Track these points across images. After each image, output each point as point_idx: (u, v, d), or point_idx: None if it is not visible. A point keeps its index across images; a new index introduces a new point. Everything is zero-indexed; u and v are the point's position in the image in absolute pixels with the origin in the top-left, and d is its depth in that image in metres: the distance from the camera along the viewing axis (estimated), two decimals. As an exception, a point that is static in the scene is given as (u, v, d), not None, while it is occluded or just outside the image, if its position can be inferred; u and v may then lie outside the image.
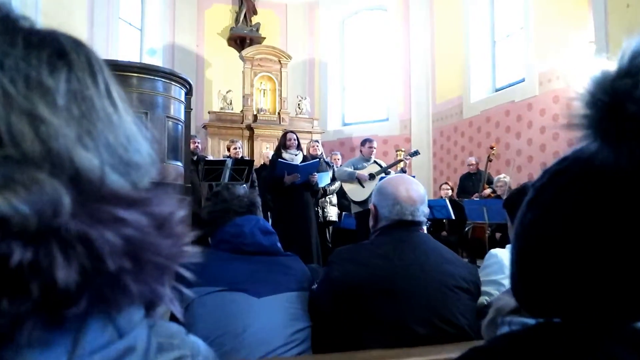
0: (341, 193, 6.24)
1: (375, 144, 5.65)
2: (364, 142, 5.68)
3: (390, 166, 5.64)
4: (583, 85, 0.49)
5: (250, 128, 10.51)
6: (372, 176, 5.41)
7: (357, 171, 5.48)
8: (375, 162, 5.69)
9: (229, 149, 6.35)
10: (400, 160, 5.78)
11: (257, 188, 6.01)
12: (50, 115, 0.37)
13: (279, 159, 4.78)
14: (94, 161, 0.38)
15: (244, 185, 5.11)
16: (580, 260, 0.48)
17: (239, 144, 6.41)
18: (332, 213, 5.95)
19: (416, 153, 5.82)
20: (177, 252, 0.41)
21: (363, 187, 5.40)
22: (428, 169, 10.31)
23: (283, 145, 5.02)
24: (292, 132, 5.15)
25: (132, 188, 0.41)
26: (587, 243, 0.47)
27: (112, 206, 0.37)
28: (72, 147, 0.37)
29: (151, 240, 0.38)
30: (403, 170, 5.52)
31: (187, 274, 0.43)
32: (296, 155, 4.98)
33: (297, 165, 4.78)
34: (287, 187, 4.74)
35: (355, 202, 5.47)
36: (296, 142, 5.03)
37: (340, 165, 5.89)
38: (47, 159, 0.36)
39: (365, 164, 5.60)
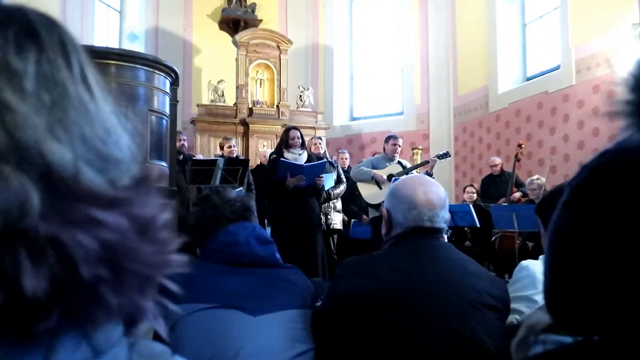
0: (350, 198, 6.25)
1: (400, 142, 5.71)
2: (388, 138, 5.74)
3: (415, 168, 5.67)
4: (627, 70, 0.48)
5: (244, 123, 10.54)
6: (390, 177, 5.42)
7: (375, 171, 5.53)
8: (399, 162, 5.72)
9: (222, 147, 6.37)
10: (427, 162, 5.80)
11: (254, 192, 6.05)
12: (17, 102, 0.37)
13: (281, 159, 4.79)
14: (67, 155, 0.38)
15: (240, 188, 5.12)
16: (624, 269, 0.48)
17: (233, 142, 6.43)
18: (337, 220, 5.97)
19: (446, 155, 5.86)
20: (162, 261, 0.41)
21: (380, 189, 5.44)
22: (449, 170, 10.30)
23: (285, 143, 5.04)
24: (295, 128, 5.17)
25: (110, 186, 0.41)
26: (631, 250, 0.47)
27: (88, 206, 0.37)
28: (42, 138, 0.37)
29: (132, 245, 0.38)
30: (429, 175, 5.55)
31: (174, 287, 0.43)
32: (300, 155, 5.00)
33: (302, 165, 4.79)
34: (289, 190, 4.75)
35: (371, 206, 5.49)
36: (300, 140, 5.05)
37: (358, 164, 5.94)
38: (13, 152, 0.36)
39: (387, 164, 5.65)
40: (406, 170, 5.48)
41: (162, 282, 0.42)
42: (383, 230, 1.63)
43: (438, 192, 1.57)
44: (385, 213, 1.61)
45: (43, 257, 0.34)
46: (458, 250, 1.59)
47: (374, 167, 5.62)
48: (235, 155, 6.30)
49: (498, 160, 7.49)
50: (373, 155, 7.13)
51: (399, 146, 5.68)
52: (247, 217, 1.59)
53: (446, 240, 1.70)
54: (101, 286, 0.37)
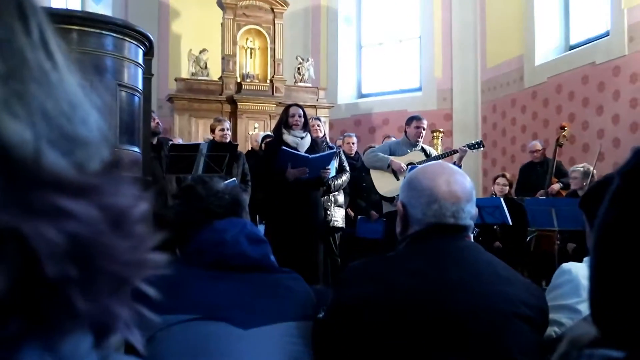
0: (357, 191, 6.24)
1: (425, 124, 5.74)
2: (411, 120, 5.76)
3: (440, 157, 5.66)
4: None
5: (232, 101, 10.57)
6: (411, 167, 5.43)
7: (393, 158, 5.55)
8: (423, 149, 5.72)
9: (213, 130, 6.37)
10: (455, 152, 5.81)
11: (250, 184, 6.06)
12: None
13: (283, 147, 4.80)
14: (26, 133, 0.39)
15: (233, 179, 5.15)
16: None
17: (227, 124, 6.43)
18: (338, 217, 6.00)
19: (479, 145, 5.85)
20: (139, 260, 0.41)
21: (398, 179, 5.45)
22: (476, 157, 10.30)
23: (285, 123, 5.06)
24: (298, 106, 5.18)
25: (77, 171, 0.41)
26: None
27: (52, 193, 0.37)
28: (-4, 115, 0.38)
29: (104, 240, 0.38)
30: (457, 166, 5.58)
31: (152, 292, 0.44)
32: (302, 138, 5.02)
33: (307, 157, 4.81)
34: (288, 183, 4.76)
35: (386, 199, 5.51)
36: (302, 119, 5.06)
37: (372, 148, 5.96)
38: (-38, 130, 0.36)
39: (408, 150, 5.66)
40: (431, 160, 5.48)
41: (138, 286, 0.43)
42: (398, 228, 1.64)
43: (463, 183, 1.58)
44: (400, 207, 1.62)
45: (0, 253, 0.35)
46: (487, 252, 1.60)
47: (391, 153, 5.63)
48: (228, 141, 6.31)
49: (540, 146, 7.45)
50: (384, 140, 7.14)
51: (424, 129, 5.69)
52: (236, 212, 1.60)
53: (472, 240, 1.71)
54: (69, 288, 0.37)
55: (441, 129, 9.29)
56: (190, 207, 1.62)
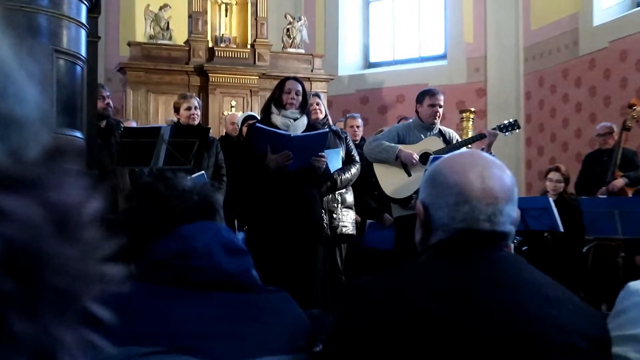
0: (365, 188, 6.25)
1: (442, 100, 5.73)
2: (422, 96, 5.74)
3: (464, 144, 5.67)
4: None
5: (201, 72, 10.60)
6: (426, 158, 5.43)
7: (402, 146, 5.55)
8: (440, 131, 5.73)
9: (177, 110, 6.37)
10: (483, 136, 5.81)
11: (225, 180, 6.08)
12: None
13: (257, 125, 4.80)
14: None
15: (202, 172, 5.14)
16: None
17: (195, 102, 6.42)
18: (347, 221, 5.99)
19: (512, 126, 5.80)
20: (89, 273, 0.42)
21: (409, 175, 5.46)
22: (516, 144, 10.34)
23: (276, 100, 5.08)
24: (296, 80, 5.21)
25: (12, 159, 0.41)
26: None
27: None
28: None
29: (46, 247, 0.39)
30: (489, 146, 5.56)
31: (106, 316, 0.44)
32: (295, 120, 5.04)
33: (287, 135, 4.80)
34: (272, 174, 4.77)
35: (395, 201, 5.51)
36: (300, 98, 5.08)
37: (375, 135, 5.95)
38: None
39: (421, 136, 5.66)
40: (451, 147, 5.48)
41: (88, 306, 0.43)
42: (417, 236, 1.64)
43: (502, 178, 1.58)
44: (420, 209, 1.62)
45: None
46: (531, 267, 1.60)
47: (400, 141, 5.63)
48: (197, 123, 6.30)
49: (609, 127, 7.29)
50: (399, 122, 7.13)
51: (440, 107, 5.68)
52: (209, 215, 1.61)
53: (513, 251, 1.72)
54: (5, 306, 0.37)
55: (472, 109, 9.32)
56: (148, 210, 1.62)
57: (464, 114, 9.04)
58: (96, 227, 0.44)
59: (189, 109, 6.27)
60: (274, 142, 4.78)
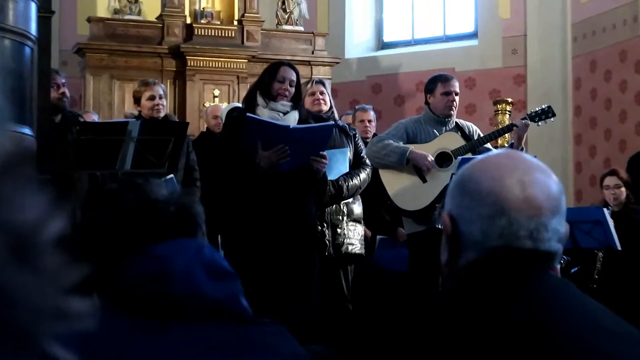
0: (377, 197, 6.23)
1: (457, 86, 5.75)
2: (433, 83, 5.77)
3: (489, 139, 5.69)
4: None
5: (177, 54, 10.63)
6: (444, 159, 5.42)
7: (413, 147, 5.55)
8: (457, 125, 5.75)
9: (137, 100, 6.36)
10: (511, 128, 5.82)
11: (198, 184, 6.10)
12: None
13: (249, 115, 4.82)
14: None
15: (171, 175, 5.13)
16: None
17: (160, 90, 6.42)
18: (354, 238, 5.97)
19: (546, 113, 5.78)
20: (50, 307, 0.42)
21: (424, 181, 5.46)
22: (563, 142, 10.34)
23: (265, 88, 5.11)
24: (291, 67, 5.24)
25: None
26: None
27: None
28: None
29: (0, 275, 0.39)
30: (520, 140, 5.54)
31: (69, 358, 0.44)
32: (285, 114, 5.07)
33: (284, 126, 4.83)
34: (262, 177, 4.77)
35: (407, 213, 5.54)
36: (293, 88, 5.12)
37: (382, 135, 5.92)
38: None
39: (434, 132, 5.68)
40: (473, 144, 5.48)
41: (46, 346, 0.43)
42: (443, 256, 1.64)
43: (547, 184, 1.58)
44: (447, 223, 1.62)
45: None
46: (583, 294, 1.60)
47: (410, 140, 5.65)
48: (162, 115, 6.30)
49: None
50: (411, 120, 7.15)
51: (456, 94, 5.70)
52: (188, 231, 1.61)
53: (559, 274, 1.72)
54: None
55: (509, 100, 9.32)
56: (114, 226, 1.62)
57: (498, 106, 9.06)
58: (58, 252, 0.44)
59: (151, 98, 6.25)
60: (268, 135, 4.79)
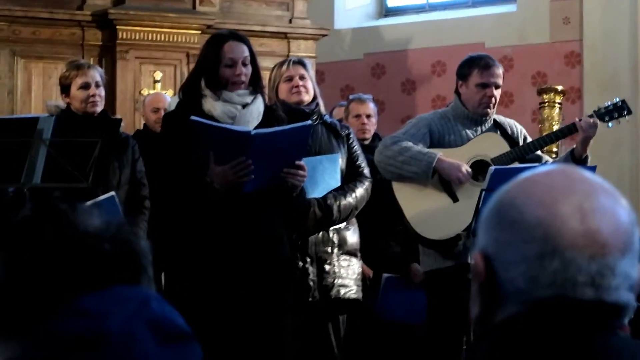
0: (379, 219, 6.24)
1: (501, 75, 5.83)
2: (468, 66, 5.85)
3: (544, 144, 5.83)
4: None
5: (105, 22, 10.62)
6: (482, 170, 5.46)
7: (441, 153, 5.60)
8: (496, 123, 5.83)
9: (66, 88, 6.35)
10: (571, 129, 5.88)
11: (147, 204, 6.12)
12: None
13: (193, 118, 4.80)
14: None
15: (112, 193, 5.16)
16: None
17: (97, 74, 6.41)
18: (347, 278, 5.97)
19: (620, 110, 5.79)
20: None
21: (455, 200, 5.52)
22: (631, 148, 10.38)
23: (212, 76, 5.13)
24: (238, 38, 5.25)
25: None
26: None
27: None
28: None
29: None
30: (581, 161, 5.54)
31: None
32: (245, 106, 5.10)
33: (244, 132, 4.81)
34: (214, 198, 4.78)
35: (428, 243, 5.57)
36: (246, 69, 5.12)
37: (398, 134, 5.94)
38: None
39: (466, 131, 5.77)
40: (520, 151, 5.52)
41: None
42: (474, 309, 1.65)
43: (615, 213, 1.59)
44: (480, 265, 1.63)
45: None
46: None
47: (435, 142, 5.72)
48: (99, 110, 6.29)
49: None
50: (435, 114, 7.20)
51: (498, 87, 5.77)
52: (128, 276, 1.61)
53: (630, 332, 1.73)
54: None
55: (559, 87, 9.34)
56: (26, 270, 1.62)
57: (544, 96, 9.05)
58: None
59: (85, 86, 6.25)
60: (222, 145, 4.78)
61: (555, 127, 8.42)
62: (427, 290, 5.64)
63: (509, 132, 5.76)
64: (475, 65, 5.75)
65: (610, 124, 5.82)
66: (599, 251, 1.55)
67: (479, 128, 5.73)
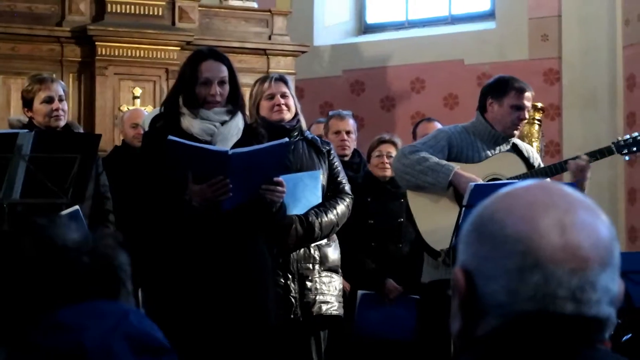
0: (357, 235, 6.23)
1: (530, 99, 5.89)
2: (504, 86, 5.85)
3: (551, 173, 5.77)
4: None
5: (84, 38, 10.62)
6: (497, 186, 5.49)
7: (459, 167, 5.62)
8: (515, 147, 5.88)
9: (29, 103, 6.33)
10: (563, 167, 5.89)
11: (111, 218, 6.10)
12: None
13: (170, 138, 4.77)
14: None
15: (76, 207, 5.12)
16: None
17: (60, 89, 6.39)
18: (329, 294, 5.96)
19: (629, 147, 5.78)
20: None
21: None
22: (610, 161, 10.39)
23: (187, 91, 5.11)
24: (216, 57, 5.23)
25: None
26: None
27: None
28: None
29: None
30: (577, 186, 5.56)
31: None
32: (223, 123, 5.11)
33: (222, 151, 4.80)
34: (192, 217, 4.77)
35: (434, 253, 5.61)
36: (226, 83, 5.11)
37: (417, 144, 5.94)
38: None
39: (485, 149, 5.80)
40: (537, 174, 5.56)
41: None
42: (455, 324, 1.65)
43: (595, 227, 1.59)
44: (460, 280, 1.63)
45: None
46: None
47: (453, 156, 5.75)
48: (62, 125, 6.27)
49: None
50: (418, 125, 7.14)
51: (528, 111, 5.87)
52: (107, 290, 1.61)
53: (610, 346, 1.72)
54: None
55: (539, 104, 9.35)
56: (3, 282, 1.62)
57: (531, 117, 9.05)
58: None
59: (48, 100, 6.22)
60: (200, 164, 4.78)
61: (535, 145, 8.46)
62: (424, 300, 5.73)
63: (526, 155, 5.81)
64: (512, 87, 5.78)
65: (627, 158, 5.83)
66: (579, 265, 1.54)
67: (498, 148, 5.78)
